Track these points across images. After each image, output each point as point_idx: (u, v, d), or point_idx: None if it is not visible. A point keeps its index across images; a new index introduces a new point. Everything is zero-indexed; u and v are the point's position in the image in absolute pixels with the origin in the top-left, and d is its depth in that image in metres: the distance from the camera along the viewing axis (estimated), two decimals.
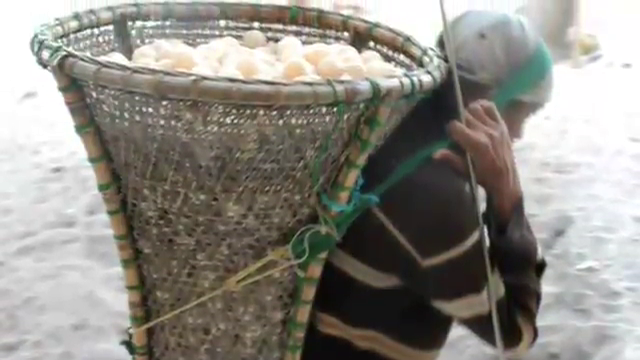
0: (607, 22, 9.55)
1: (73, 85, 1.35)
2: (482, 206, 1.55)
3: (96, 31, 1.59)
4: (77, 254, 4.42)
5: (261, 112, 1.26)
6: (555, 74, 1.64)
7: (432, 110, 1.51)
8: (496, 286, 1.52)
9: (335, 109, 1.29)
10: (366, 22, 1.68)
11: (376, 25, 1.67)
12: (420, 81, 1.36)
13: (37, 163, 5.77)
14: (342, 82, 1.27)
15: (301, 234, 1.40)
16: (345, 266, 1.52)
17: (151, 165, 1.36)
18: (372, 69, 1.49)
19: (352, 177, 1.40)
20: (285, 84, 1.24)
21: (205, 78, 1.22)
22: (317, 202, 1.41)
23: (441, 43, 1.57)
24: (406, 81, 1.33)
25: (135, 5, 1.64)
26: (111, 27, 1.62)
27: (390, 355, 1.58)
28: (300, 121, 1.29)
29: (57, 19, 1.51)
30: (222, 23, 1.73)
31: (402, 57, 1.62)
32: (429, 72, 1.41)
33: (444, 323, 1.62)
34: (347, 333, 1.56)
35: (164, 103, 1.27)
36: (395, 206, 1.47)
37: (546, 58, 1.61)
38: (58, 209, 4.96)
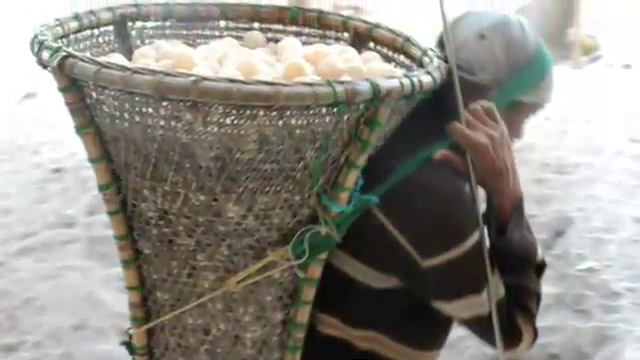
0: (607, 23, 9.55)
1: (73, 86, 1.35)
2: (482, 207, 1.55)
3: (96, 32, 1.59)
4: (77, 255, 4.42)
5: (261, 113, 1.26)
6: (555, 75, 1.64)
7: (432, 111, 1.51)
8: (496, 287, 1.52)
9: (335, 110, 1.29)
10: (366, 23, 1.68)
11: (376, 26, 1.67)
12: (420, 82, 1.36)
13: (37, 163, 5.77)
14: (342, 83, 1.27)
15: (301, 235, 1.40)
16: (345, 267, 1.52)
17: (151, 166, 1.36)
18: (372, 70, 1.49)
19: (352, 178, 1.40)
20: (285, 85, 1.24)
21: (205, 79, 1.22)
22: (317, 203, 1.41)
23: (441, 44, 1.57)
24: (406, 82, 1.33)
25: (135, 6, 1.64)
26: (111, 28, 1.62)
27: (390, 355, 1.58)
28: (300, 122, 1.29)
29: (57, 20, 1.51)
30: (222, 24, 1.73)
31: (402, 58, 1.62)
32: (429, 73, 1.41)
33: (444, 324, 1.62)
34: (347, 334, 1.56)
35: (164, 104, 1.27)
36: (395, 206, 1.47)
37: (546, 59, 1.61)
38: (58, 210, 4.96)
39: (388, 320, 1.56)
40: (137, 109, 1.30)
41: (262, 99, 1.22)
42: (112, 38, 1.62)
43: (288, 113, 1.27)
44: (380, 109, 1.33)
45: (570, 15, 8.79)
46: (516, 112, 1.62)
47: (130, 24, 1.64)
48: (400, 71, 1.53)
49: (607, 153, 6.03)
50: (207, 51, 1.56)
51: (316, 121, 1.30)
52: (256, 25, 1.73)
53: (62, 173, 5.54)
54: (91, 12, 1.57)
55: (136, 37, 1.65)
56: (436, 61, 1.48)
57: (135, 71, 1.24)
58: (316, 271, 1.46)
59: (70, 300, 3.93)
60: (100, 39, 1.60)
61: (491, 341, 1.53)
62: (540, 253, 1.62)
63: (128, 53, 1.60)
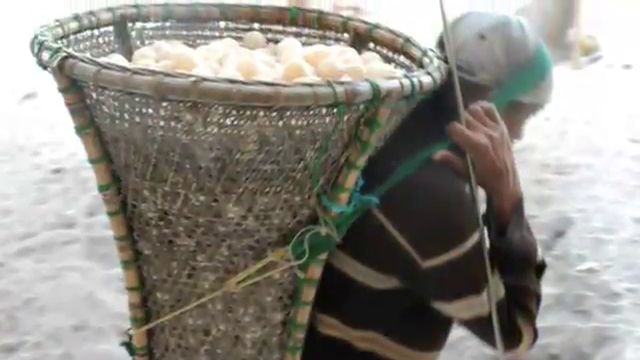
0: (607, 23, 9.56)
1: (73, 86, 1.35)
2: (482, 207, 1.55)
3: (96, 32, 1.59)
4: (77, 255, 4.42)
5: (261, 113, 1.26)
6: (555, 75, 1.64)
7: (432, 111, 1.51)
8: (496, 287, 1.52)
9: (335, 110, 1.29)
10: (366, 23, 1.68)
11: (376, 26, 1.67)
12: (420, 82, 1.36)
13: (37, 164, 5.77)
14: (342, 83, 1.27)
15: (301, 235, 1.40)
16: (345, 267, 1.52)
17: (151, 166, 1.36)
18: (372, 70, 1.49)
19: (352, 178, 1.40)
20: (285, 85, 1.24)
21: (205, 79, 1.22)
22: (317, 203, 1.41)
23: (441, 44, 1.57)
24: (406, 82, 1.33)
25: (135, 6, 1.64)
26: (111, 28, 1.62)
27: (390, 356, 1.58)
28: (300, 122, 1.29)
29: (57, 20, 1.51)
30: (222, 24, 1.73)
31: (402, 58, 1.62)
32: (429, 73, 1.41)
33: (444, 324, 1.62)
34: (347, 334, 1.56)
35: (164, 104, 1.27)
36: (395, 207, 1.47)
37: (546, 59, 1.61)
38: (58, 210, 4.97)
39: (388, 321, 1.56)
40: (137, 110, 1.30)
41: (262, 100, 1.22)
42: (112, 39, 1.62)
43: (288, 114, 1.27)
44: (380, 110, 1.33)
45: (570, 15, 8.80)
46: (516, 112, 1.62)
47: (130, 25, 1.64)
48: (400, 72, 1.53)
49: (607, 154, 6.03)
50: (207, 52, 1.56)
51: (316, 122, 1.30)
52: (256, 26, 1.73)
53: (62, 174, 5.54)
54: (91, 13, 1.57)
55: (136, 38, 1.65)
56: (436, 62, 1.48)
57: (135, 72, 1.24)
58: (316, 272, 1.46)
59: (70, 301, 3.93)
60: (100, 40, 1.60)
61: (491, 342, 1.53)
62: (540, 254, 1.62)
63: (128, 54, 1.60)
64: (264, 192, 1.36)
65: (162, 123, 1.29)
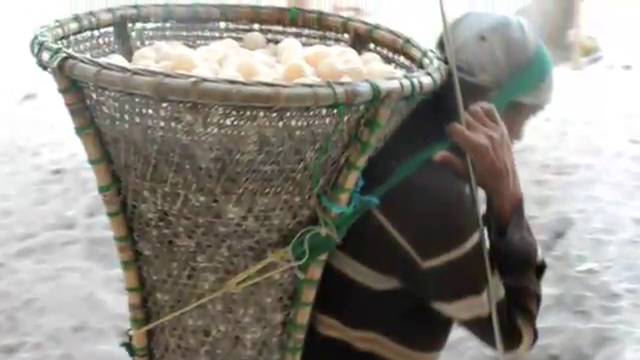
0: (607, 24, 9.56)
1: (73, 87, 1.35)
2: (482, 208, 1.55)
3: (96, 33, 1.59)
4: (77, 256, 4.42)
5: (261, 114, 1.25)
6: (555, 76, 1.64)
7: (432, 112, 1.52)
8: (496, 288, 1.52)
9: (335, 111, 1.29)
10: (366, 24, 1.68)
11: (376, 27, 1.67)
12: (420, 83, 1.36)
13: (37, 165, 5.77)
14: (342, 84, 1.27)
15: (301, 236, 1.40)
16: (345, 268, 1.52)
17: (151, 167, 1.36)
18: (372, 71, 1.49)
19: (352, 179, 1.40)
20: (285, 86, 1.24)
21: (205, 80, 1.22)
22: (317, 204, 1.41)
23: (441, 45, 1.57)
24: (406, 83, 1.33)
25: (135, 7, 1.64)
26: (111, 29, 1.62)
27: (390, 357, 1.58)
28: (300, 123, 1.29)
29: (57, 21, 1.51)
30: (222, 25, 1.73)
31: (402, 59, 1.62)
32: (429, 74, 1.41)
33: (444, 325, 1.62)
34: (347, 335, 1.56)
35: (164, 105, 1.27)
36: (395, 208, 1.47)
37: (546, 60, 1.61)
38: (58, 211, 4.97)
39: (388, 321, 1.56)
40: (137, 110, 1.30)
41: (262, 100, 1.22)
42: (112, 39, 1.62)
43: (288, 114, 1.27)
44: (380, 110, 1.33)
45: (570, 16, 8.80)
46: (516, 113, 1.62)
47: (130, 25, 1.64)
48: (400, 72, 1.53)
49: (607, 154, 6.03)
50: (207, 52, 1.56)
51: (316, 122, 1.30)
52: (256, 26, 1.73)
53: (62, 174, 5.54)
54: (91, 13, 1.57)
55: (136, 38, 1.65)
56: (436, 62, 1.48)
57: (135, 72, 1.24)
58: (316, 272, 1.46)
59: (70, 301, 3.93)
60: (100, 40, 1.60)
61: (491, 342, 1.53)
62: (540, 254, 1.62)
63: (128, 54, 1.60)
64: (264, 193, 1.36)
65: (162, 124, 1.29)
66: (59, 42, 1.45)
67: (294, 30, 1.72)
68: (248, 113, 1.25)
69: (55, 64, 1.31)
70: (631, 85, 7.85)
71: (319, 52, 1.56)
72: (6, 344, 3.60)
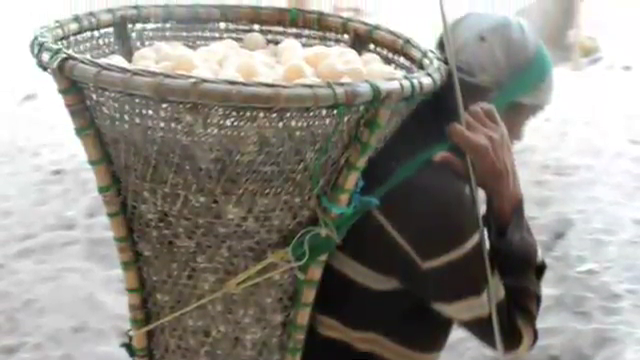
0: (607, 24, 9.56)
1: (73, 87, 1.35)
2: (482, 208, 1.55)
3: (96, 33, 1.59)
4: (77, 256, 4.42)
5: (261, 114, 1.25)
6: (555, 76, 1.64)
7: (432, 112, 1.51)
8: (496, 288, 1.52)
9: (335, 111, 1.29)
10: (366, 24, 1.68)
11: (376, 27, 1.67)
12: (420, 83, 1.36)
13: (37, 165, 5.77)
14: (342, 84, 1.27)
15: (301, 236, 1.40)
16: (345, 268, 1.52)
17: (151, 167, 1.36)
18: (372, 71, 1.49)
19: (352, 179, 1.40)
20: (285, 86, 1.24)
21: (205, 80, 1.22)
22: (317, 204, 1.41)
23: (441, 45, 1.57)
24: (406, 83, 1.33)
25: (135, 7, 1.64)
26: (111, 29, 1.62)
27: (390, 357, 1.58)
28: (300, 123, 1.29)
29: (57, 21, 1.51)
30: (222, 25, 1.73)
31: (402, 59, 1.62)
32: (429, 74, 1.41)
33: (444, 325, 1.62)
34: (347, 335, 1.56)
35: (164, 105, 1.27)
36: (395, 208, 1.47)
37: (546, 60, 1.61)
38: (58, 211, 4.96)
39: (388, 322, 1.56)
40: (137, 111, 1.30)
41: (262, 101, 1.22)
42: (112, 40, 1.62)
43: (288, 115, 1.27)
44: (380, 111, 1.33)
45: (570, 17, 8.80)
46: (516, 114, 1.62)
47: (130, 26, 1.64)
48: (400, 73, 1.53)
49: (607, 155, 6.03)
50: (207, 53, 1.56)
51: (316, 123, 1.30)
52: (256, 27, 1.73)
53: (62, 175, 5.54)
54: (91, 14, 1.57)
55: (136, 39, 1.65)
56: (436, 63, 1.48)
57: (135, 73, 1.24)
58: (316, 273, 1.46)
59: (70, 302, 3.93)
60: (100, 41, 1.60)
61: (491, 343, 1.53)
62: (540, 255, 1.61)
63: (128, 55, 1.60)
64: (264, 193, 1.36)
65: (162, 124, 1.29)
66: (59, 43, 1.45)
67: (294, 31, 1.72)
68: (248, 114, 1.25)
69: (55, 65, 1.31)
70: (631, 86, 7.85)
71: (319, 53, 1.56)
72: (6, 344, 3.60)
